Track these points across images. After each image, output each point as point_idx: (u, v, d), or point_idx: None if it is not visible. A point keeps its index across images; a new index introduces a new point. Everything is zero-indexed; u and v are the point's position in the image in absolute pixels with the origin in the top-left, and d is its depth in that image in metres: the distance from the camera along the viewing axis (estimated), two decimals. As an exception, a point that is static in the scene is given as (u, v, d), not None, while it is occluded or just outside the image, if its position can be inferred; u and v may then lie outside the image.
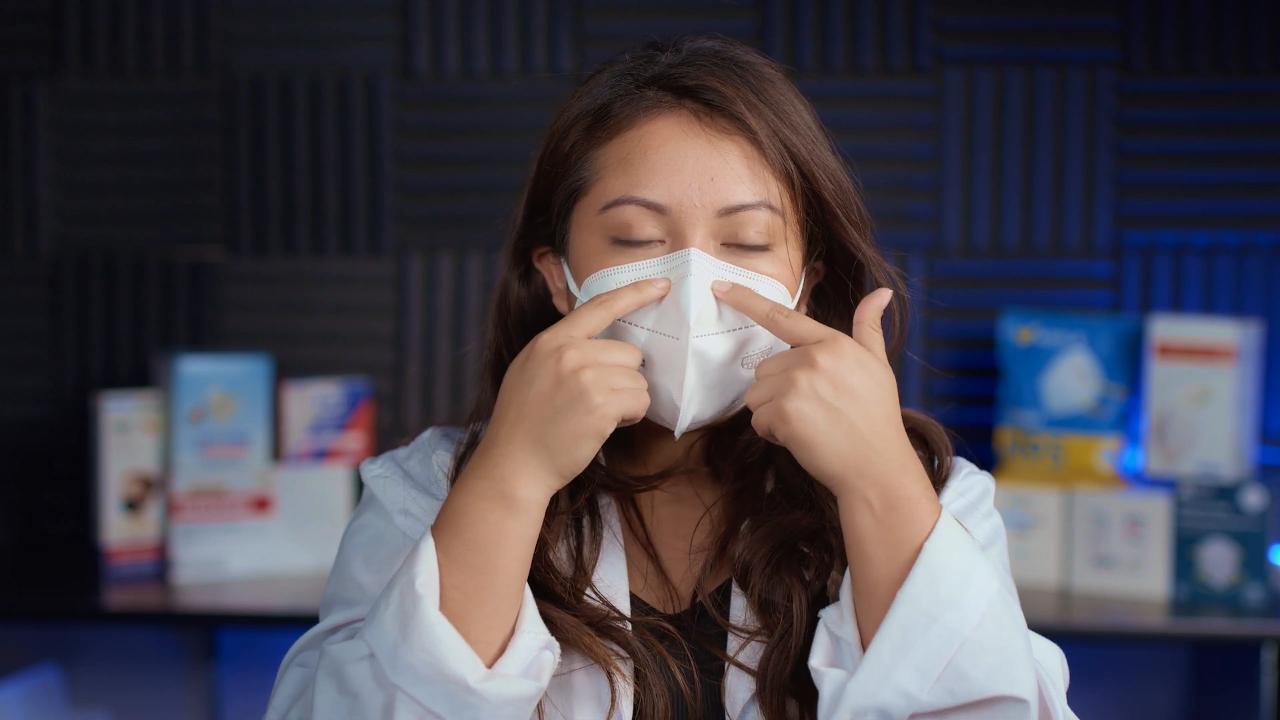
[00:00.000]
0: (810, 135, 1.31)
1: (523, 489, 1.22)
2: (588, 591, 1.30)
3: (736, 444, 1.37)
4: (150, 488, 2.44)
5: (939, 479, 1.34)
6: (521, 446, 1.22)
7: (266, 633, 2.61)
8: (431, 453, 1.38)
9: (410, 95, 2.63)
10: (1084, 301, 2.58)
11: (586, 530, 1.33)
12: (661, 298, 1.26)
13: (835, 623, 1.23)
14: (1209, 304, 2.57)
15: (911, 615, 1.18)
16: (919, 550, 1.19)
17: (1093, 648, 2.56)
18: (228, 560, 2.42)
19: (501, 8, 2.61)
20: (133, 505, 2.43)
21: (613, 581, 1.32)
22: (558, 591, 1.29)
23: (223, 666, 2.62)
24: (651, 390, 1.28)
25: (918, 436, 1.36)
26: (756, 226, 1.28)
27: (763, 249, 1.29)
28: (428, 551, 1.21)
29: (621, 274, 1.28)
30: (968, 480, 1.36)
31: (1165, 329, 2.40)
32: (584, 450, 1.22)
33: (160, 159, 2.65)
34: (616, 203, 1.28)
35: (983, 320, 2.56)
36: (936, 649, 1.17)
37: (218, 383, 2.42)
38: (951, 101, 2.58)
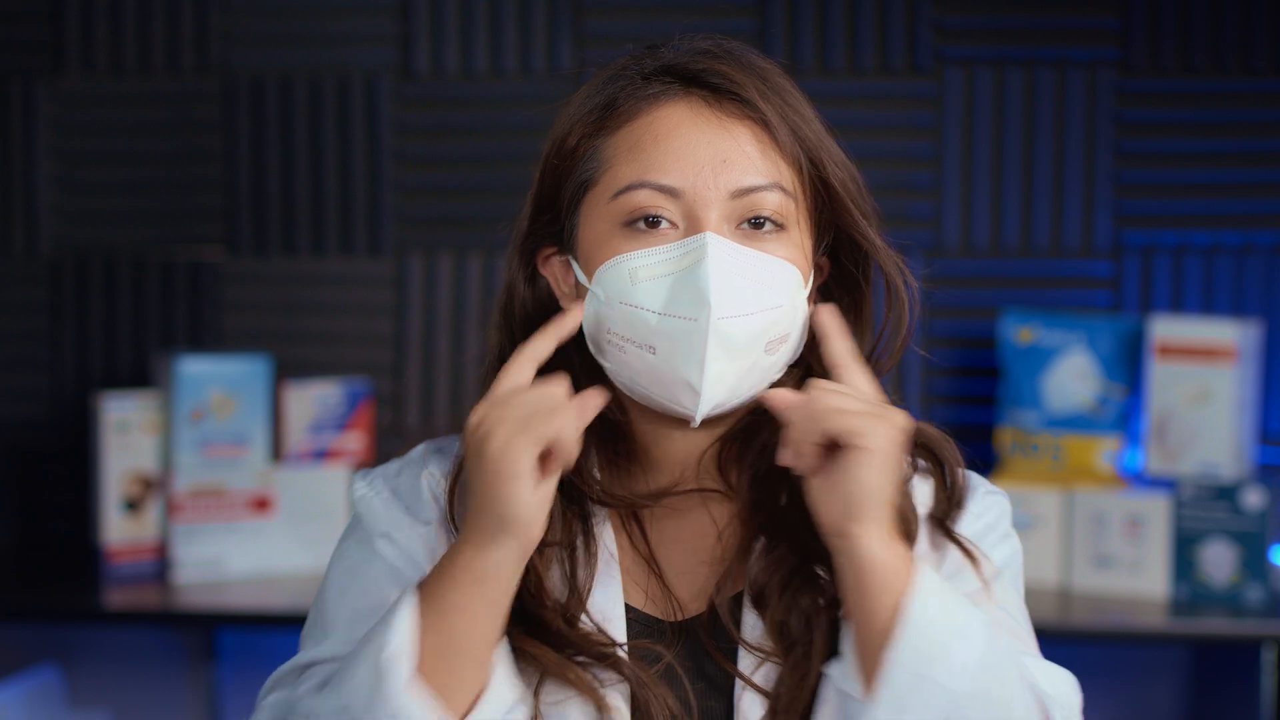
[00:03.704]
0: (816, 124, 1.31)
1: (477, 560, 1.21)
2: (582, 617, 1.29)
3: (750, 450, 1.34)
4: (150, 488, 2.44)
5: (953, 495, 1.33)
6: (471, 519, 1.22)
7: (266, 633, 2.61)
8: (422, 469, 1.36)
9: (410, 95, 2.63)
10: (1084, 301, 2.58)
11: (581, 552, 1.31)
12: (578, 327, 1.27)
13: (840, 678, 1.23)
14: (1209, 304, 2.57)
15: (901, 676, 1.18)
16: (901, 608, 1.19)
17: (1093, 648, 2.56)
18: (228, 560, 2.42)
19: (501, 8, 2.61)
20: (133, 505, 2.43)
21: (607, 604, 1.30)
22: (548, 621, 1.28)
23: (223, 666, 2.62)
24: (664, 377, 1.26)
25: (929, 451, 1.34)
26: (770, 209, 1.27)
27: (776, 232, 1.28)
28: (404, 616, 1.21)
29: (635, 260, 1.26)
30: (985, 501, 1.35)
31: (1165, 329, 2.40)
32: (512, 498, 1.20)
33: (160, 159, 2.65)
34: (629, 188, 1.27)
35: (983, 320, 2.56)
36: (931, 707, 1.18)
37: (218, 383, 2.42)
38: (951, 101, 2.58)
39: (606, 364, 1.30)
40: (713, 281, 1.24)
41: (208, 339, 2.64)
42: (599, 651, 1.27)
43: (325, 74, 2.63)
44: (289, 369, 2.55)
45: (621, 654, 1.28)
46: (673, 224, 1.27)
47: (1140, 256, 2.58)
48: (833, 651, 1.26)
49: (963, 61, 2.58)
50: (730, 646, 1.30)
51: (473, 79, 2.62)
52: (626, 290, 1.27)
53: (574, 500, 1.32)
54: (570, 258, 1.32)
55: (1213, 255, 2.57)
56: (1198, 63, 2.56)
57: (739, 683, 1.28)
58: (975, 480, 1.36)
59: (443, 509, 1.33)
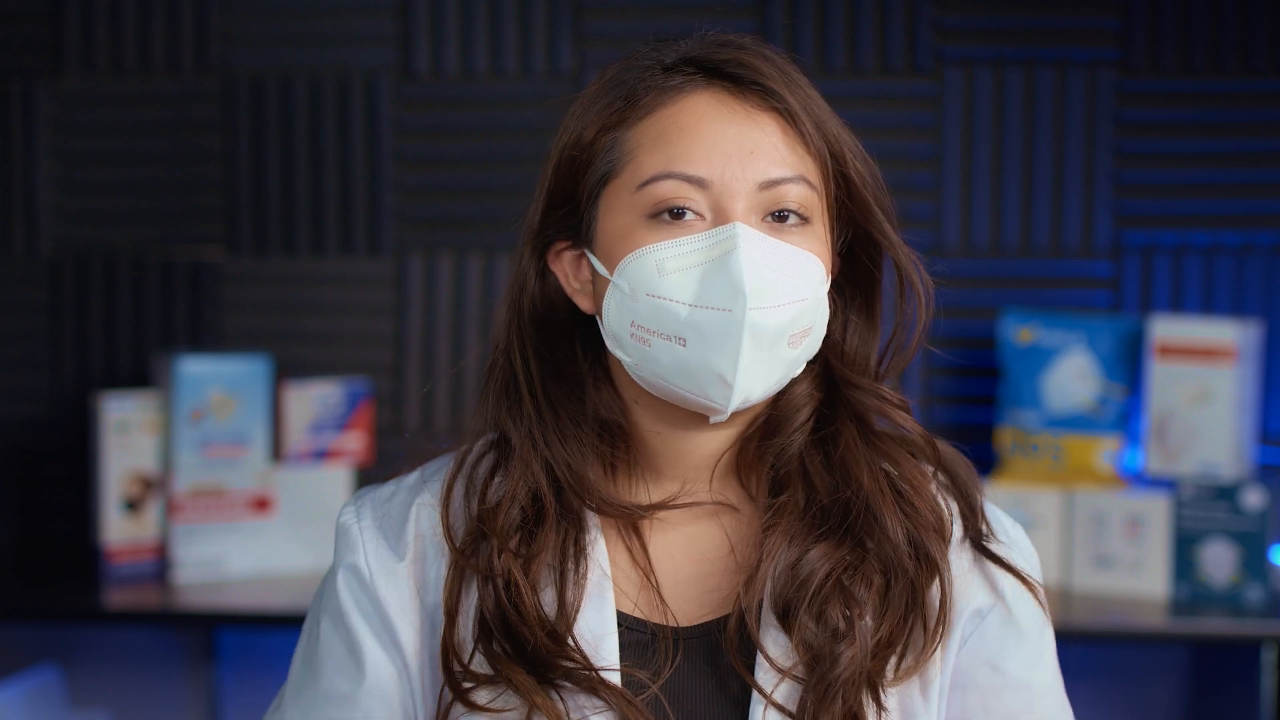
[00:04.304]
0: (836, 119, 1.31)
1: None
2: (569, 638, 1.25)
3: (767, 451, 1.31)
4: (150, 488, 2.44)
5: (975, 521, 1.32)
6: None
7: (266, 633, 2.61)
8: (415, 497, 1.34)
9: (410, 95, 2.63)
10: (1084, 301, 2.58)
11: (571, 571, 1.28)
12: None
13: None
14: (1209, 304, 2.57)
15: None
16: None
17: (1093, 648, 2.56)
18: (228, 560, 2.42)
19: (501, 8, 2.61)
20: (133, 505, 2.43)
21: (598, 623, 1.27)
22: (527, 639, 1.25)
23: (223, 666, 2.62)
24: (695, 369, 1.24)
25: (947, 471, 1.33)
26: (795, 201, 1.26)
27: (800, 225, 1.27)
28: None
29: (662, 251, 1.24)
30: (1029, 554, 1.36)
31: (1165, 329, 2.40)
32: None
33: (160, 159, 2.65)
34: (655, 179, 1.25)
35: (983, 320, 2.56)
36: None
37: (218, 383, 2.42)
38: (951, 101, 2.58)
39: (627, 358, 1.28)
40: (746, 272, 1.22)
41: (208, 339, 2.64)
42: (580, 675, 1.24)
43: (325, 74, 2.63)
44: (289, 369, 2.55)
45: (609, 677, 1.25)
46: (699, 215, 1.25)
47: (1140, 256, 2.58)
48: (861, 672, 1.23)
49: (963, 61, 2.58)
50: (745, 662, 1.26)
51: (473, 79, 2.62)
52: (653, 282, 1.24)
53: (569, 509, 1.29)
54: (586, 251, 1.30)
55: (1213, 255, 2.57)
56: (1198, 63, 2.56)
57: (756, 700, 1.25)
58: (994, 512, 1.35)
59: (420, 546, 1.31)
